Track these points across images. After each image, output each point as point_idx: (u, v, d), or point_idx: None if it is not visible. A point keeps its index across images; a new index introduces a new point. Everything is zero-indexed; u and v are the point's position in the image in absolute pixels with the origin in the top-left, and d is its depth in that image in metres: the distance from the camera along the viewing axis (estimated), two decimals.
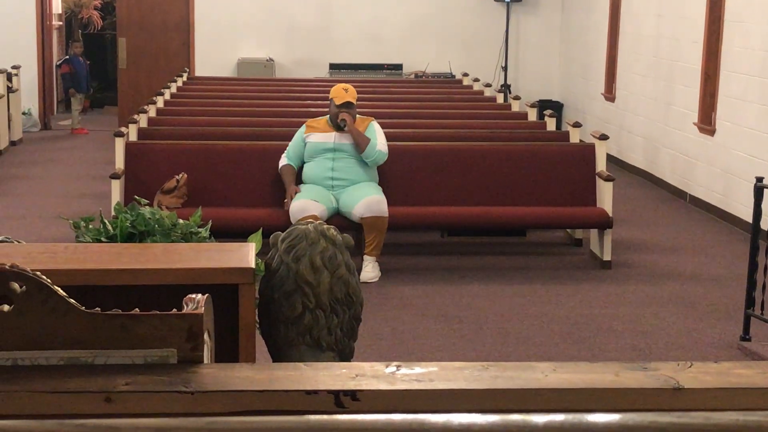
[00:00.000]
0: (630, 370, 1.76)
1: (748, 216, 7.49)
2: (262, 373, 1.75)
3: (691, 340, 6.41)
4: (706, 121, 10.26)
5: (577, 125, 9.17)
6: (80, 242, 3.10)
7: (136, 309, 1.82)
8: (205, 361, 1.85)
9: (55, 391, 1.66)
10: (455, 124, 9.78)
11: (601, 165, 8.32)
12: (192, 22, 15.23)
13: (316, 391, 1.66)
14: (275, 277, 2.88)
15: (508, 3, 15.13)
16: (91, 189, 10.60)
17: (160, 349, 1.79)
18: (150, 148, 8.18)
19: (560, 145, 8.73)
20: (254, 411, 1.65)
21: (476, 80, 13.18)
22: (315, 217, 7.15)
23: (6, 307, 1.77)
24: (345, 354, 2.95)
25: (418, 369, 1.75)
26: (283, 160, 7.90)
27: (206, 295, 1.94)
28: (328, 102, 7.95)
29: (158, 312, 1.80)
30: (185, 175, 7.86)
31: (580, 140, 9.25)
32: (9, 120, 13.32)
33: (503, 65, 15.24)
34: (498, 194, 8.21)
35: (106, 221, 3.20)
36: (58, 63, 15.97)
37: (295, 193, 7.63)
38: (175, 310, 1.85)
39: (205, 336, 1.87)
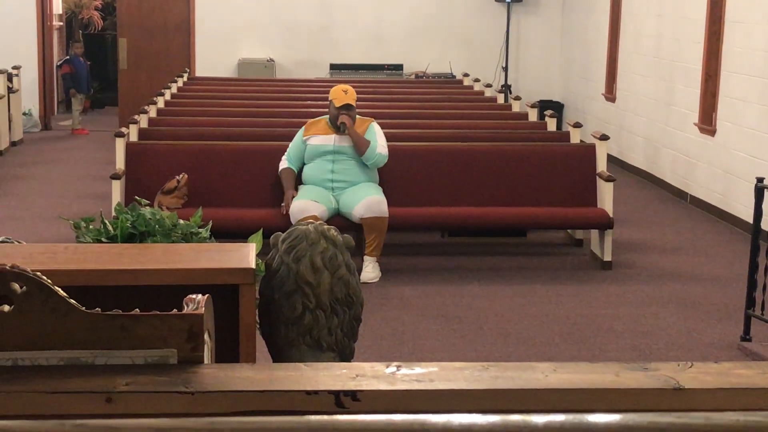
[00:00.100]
0: (630, 371, 1.76)
1: (748, 216, 7.49)
2: (263, 374, 1.75)
3: (691, 340, 6.41)
4: (707, 122, 10.26)
5: (577, 125, 9.17)
6: (81, 243, 3.10)
7: (137, 309, 1.82)
8: (206, 361, 1.85)
9: (56, 392, 1.66)
10: (456, 124, 9.78)
11: (601, 165, 8.32)
12: (193, 23, 15.23)
13: (316, 392, 1.66)
14: (276, 278, 2.88)
15: (508, 3, 15.13)
16: (91, 189, 10.60)
17: (161, 350, 1.79)
18: (150, 149, 8.18)
19: (561, 145, 8.73)
20: (255, 411, 1.65)
21: (477, 80, 13.19)
22: (315, 218, 7.15)
23: (6, 308, 1.77)
24: (345, 354, 2.95)
25: (419, 369, 1.75)
26: (284, 163, 7.89)
27: (206, 295, 1.94)
28: (329, 102, 7.94)
29: (158, 312, 1.81)
30: (186, 176, 7.87)
31: (581, 140, 9.25)
32: (9, 120, 13.33)
33: (504, 65, 15.24)
34: (498, 195, 8.21)
35: (106, 222, 3.21)
36: (58, 63, 15.97)
37: (293, 197, 7.61)
38: (175, 310, 1.85)
39: (206, 336, 1.87)
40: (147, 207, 3.33)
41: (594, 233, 8.25)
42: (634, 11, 12.62)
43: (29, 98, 14.90)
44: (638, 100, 12.35)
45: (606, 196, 8.11)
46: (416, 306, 6.97)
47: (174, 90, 11.89)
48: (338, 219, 7.55)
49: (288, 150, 7.92)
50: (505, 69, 15.21)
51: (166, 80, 13.63)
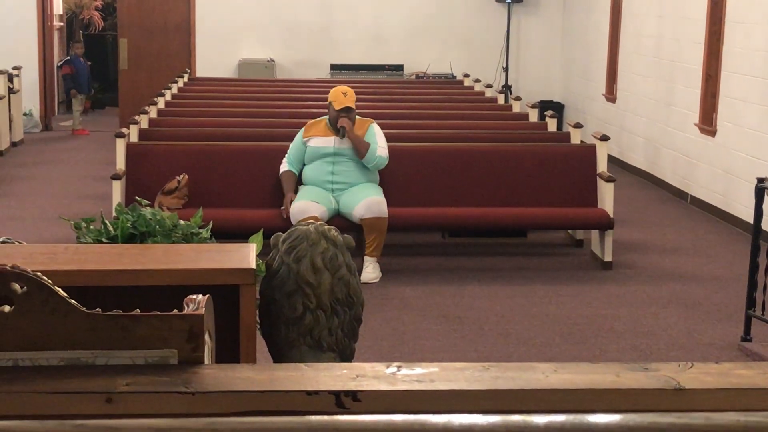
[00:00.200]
0: (631, 371, 1.76)
1: (749, 217, 7.49)
2: (263, 374, 1.75)
3: (691, 340, 6.41)
4: (707, 122, 10.26)
5: (578, 126, 9.17)
6: (81, 243, 3.10)
7: (137, 310, 1.82)
8: (206, 361, 1.85)
9: (56, 392, 1.66)
10: (456, 125, 9.78)
11: (602, 166, 8.32)
12: (193, 23, 15.23)
13: (317, 392, 1.66)
14: (276, 278, 2.88)
15: (509, 4, 15.13)
16: (92, 190, 10.61)
17: (161, 350, 1.79)
18: (151, 149, 8.19)
19: (561, 145, 8.73)
20: (255, 411, 1.65)
21: (477, 81, 13.19)
22: (315, 218, 7.15)
23: (7, 308, 1.77)
24: (346, 354, 2.95)
25: (419, 369, 1.75)
26: (284, 166, 7.88)
27: (207, 295, 1.95)
28: (328, 104, 7.92)
29: (159, 313, 1.81)
30: (186, 176, 7.87)
31: (581, 141, 9.25)
32: (10, 121, 13.33)
33: (504, 66, 15.24)
34: (499, 195, 8.21)
35: (107, 222, 3.21)
36: (59, 64, 15.97)
37: (291, 201, 7.60)
38: (175, 310, 1.85)
39: (206, 336, 1.87)
40: (147, 207, 3.33)
41: (594, 233, 8.25)
42: (635, 11, 12.63)
43: (30, 99, 14.90)
44: (638, 101, 12.35)
45: (606, 196, 8.11)
46: (416, 306, 6.97)
47: (174, 90, 11.90)
48: (338, 219, 7.55)
49: (288, 151, 7.92)
50: (506, 69, 15.21)
51: (166, 81, 13.63)
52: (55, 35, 16.52)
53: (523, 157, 8.36)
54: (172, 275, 2.59)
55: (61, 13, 17.22)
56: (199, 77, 14.17)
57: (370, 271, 7.51)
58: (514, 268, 8.00)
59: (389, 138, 8.09)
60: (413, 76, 14.93)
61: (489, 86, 12.74)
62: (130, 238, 3.14)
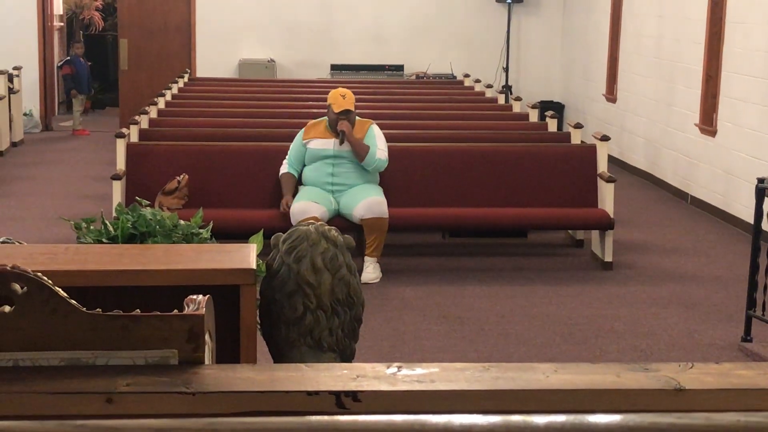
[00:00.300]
0: (631, 371, 1.76)
1: (749, 217, 7.49)
2: (264, 374, 1.75)
3: (692, 341, 6.41)
4: (708, 122, 10.26)
5: (578, 126, 9.17)
6: (81, 243, 3.10)
7: (137, 310, 1.82)
8: (206, 362, 1.85)
9: (57, 392, 1.66)
10: (456, 125, 9.78)
11: (602, 166, 8.32)
12: (193, 23, 15.23)
13: (317, 392, 1.66)
14: (276, 278, 2.88)
15: (509, 4, 15.13)
16: (92, 190, 10.61)
17: (161, 350, 1.79)
18: (151, 149, 8.19)
19: (561, 146, 8.73)
20: (255, 412, 1.65)
21: (477, 81, 13.19)
22: (316, 219, 7.15)
23: (7, 308, 1.77)
24: (346, 355, 2.95)
25: (419, 370, 1.75)
26: (284, 167, 7.88)
27: (207, 296, 1.95)
28: (327, 106, 7.90)
29: (159, 313, 1.81)
30: (186, 176, 7.87)
31: (582, 141, 9.25)
32: (10, 121, 13.33)
33: (504, 66, 15.24)
34: (499, 195, 8.21)
35: (107, 222, 3.21)
36: (59, 64, 15.97)
37: (288, 205, 7.60)
38: (176, 311, 1.85)
39: (206, 337, 1.87)
40: (148, 207, 3.33)
41: (595, 234, 8.25)
42: (635, 12, 12.63)
43: (30, 99, 14.90)
44: (639, 101, 12.35)
45: (607, 196, 8.11)
46: (417, 306, 6.97)
47: (175, 90, 11.90)
48: (338, 220, 7.55)
49: (288, 153, 7.91)
50: (506, 70, 15.21)
51: (166, 81, 13.63)
52: (56, 35, 16.52)
53: (523, 158, 8.36)
54: (173, 275, 2.59)
55: (61, 13, 17.22)
56: (199, 77, 14.17)
57: (371, 272, 7.51)
58: (515, 268, 8.00)
59: (390, 138, 8.09)
60: (413, 77, 14.93)
61: (489, 86, 12.74)
62: (131, 239, 3.14)
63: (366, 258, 7.53)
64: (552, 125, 9.79)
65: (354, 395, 1.66)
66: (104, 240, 3.13)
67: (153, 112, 10.02)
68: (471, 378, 1.73)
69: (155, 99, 10.84)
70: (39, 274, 1.78)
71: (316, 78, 14.33)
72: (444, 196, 8.15)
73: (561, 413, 1.66)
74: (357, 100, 8.02)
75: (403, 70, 15.20)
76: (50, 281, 1.78)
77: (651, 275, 7.86)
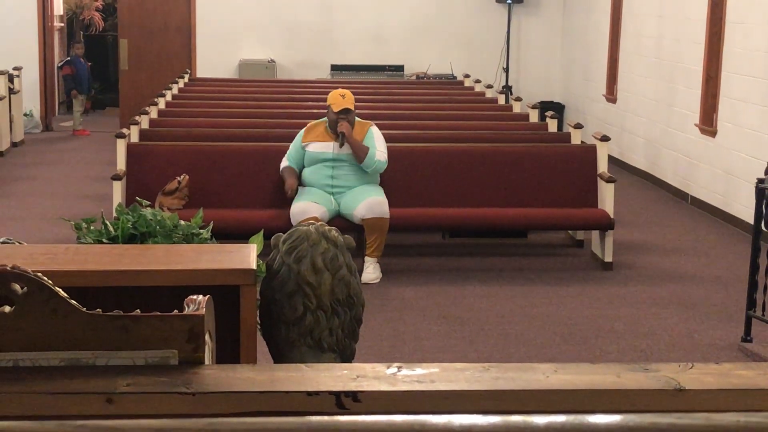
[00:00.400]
0: (631, 371, 1.76)
1: (749, 217, 7.49)
2: (264, 374, 1.75)
3: (692, 341, 6.41)
4: (708, 123, 10.26)
5: (578, 126, 9.17)
6: (82, 243, 3.10)
7: (138, 310, 1.82)
8: (207, 362, 1.85)
9: (57, 392, 1.66)
10: (457, 125, 9.78)
11: (602, 166, 8.32)
12: (193, 24, 15.23)
13: (317, 392, 1.67)
14: (276, 279, 2.88)
15: (509, 4, 15.13)
16: (92, 190, 10.61)
17: (162, 350, 1.79)
18: (151, 150, 8.19)
19: (561, 146, 8.73)
20: (255, 412, 1.65)
21: (478, 81, 13.19)
22: (316, 219, 7.15)
23: (7, 308, 1.77)
24: (346, 355, 2.95)
25: (419, 370, 1.76)
26: (284, 162, 7.89)
27: (207, 296, 1.95)
28: (327, 107, 7.90)
29: (159, 313, 1.81)
30: (187, 177, 7.87)
31: (582, 141, 9.25)
32: (11, 121, 13.33)
33: (504, 67, 15.24)
34: (499, 195, 8.21)
35: (107, 222, 3.21)
36: (59, 64, 15.97)
37: (292, 189, 7.62)
38: (176, 311, 1.85)
39: (207, 337, 1.87)
40: (148, 208, 3.33)
41: (595, 234, 8.25)
42: (635, 12, 12.63)
43: (30, 99, 14.90)
44: (639, 101, 12.36)
45: (607, 196, 8.12)
46: (417, 307, 6.97)
47: (175, 91, 11.90)
48: (339, 220, 7.55)
49: (288, 152, 7.92)
50: (506, 70, 15.21)
51: (166, 81, 13.63)
52: (56, 36, 16.52)
53: (523, 158, 8.36)
54: (173, 276, 2.59)
55: (61, 13, 17.22)
56: (199, 78, 14.17)
57: (371, 272, 7.51)
58: (515, 268, 8.00)
59: (390, 139, 8.09)
60: (414, 77, 14.93)
61: (489, 87, 12.74)
62: (131, 239, 3.15)
63: (366, 258, 7.53)
64: (552, 125, 9.79)
65: (354, 395, 1.66)
66: (104, 240, 3.13)
67: (153, 113, 10.02)
68: (471, 378, 1.73)
69: (155, 99, 10.84)
70: (39, 274, 1.78)
71: (316, 78, 14.33)
72: (444, 196, 8.15)
73: (561, 413, 1.66)
74: (357, 101, 8.01)
75: (403, 71, 15.20)
76: (50, 281, 1.78)
77: (651, 275, 7.86)
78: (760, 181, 6.32)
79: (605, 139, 8.43)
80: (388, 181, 8.00)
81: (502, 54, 15.30)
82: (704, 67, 10.32)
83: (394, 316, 6.74)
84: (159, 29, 15.22)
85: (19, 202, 10.15)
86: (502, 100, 12.10)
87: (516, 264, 8.13)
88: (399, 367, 1.76)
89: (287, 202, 7.71)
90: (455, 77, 14.77)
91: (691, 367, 1.77)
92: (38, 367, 1.76)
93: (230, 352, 2.59)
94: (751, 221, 6.52)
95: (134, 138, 8.70)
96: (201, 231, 3.25)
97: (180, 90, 12.13)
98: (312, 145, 7.77)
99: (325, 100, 8.47)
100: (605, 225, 7.97)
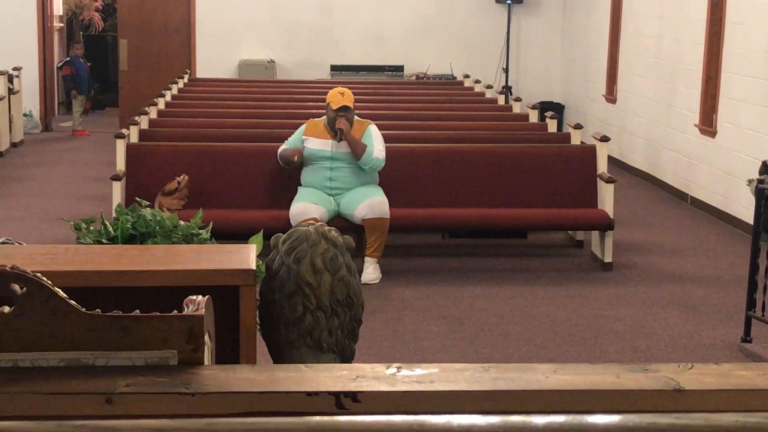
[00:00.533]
0: (631, 372, 1.76)
1: (749, 217, 7.50)
2: (263, 375, 1.75)
3: (691, 341, 6.41)
4: (708, 123, 10.26)
5: (578, 127, 9.17)
6: (81, 244, 3.10)
7: (137, 310, 1.82)
8: (206, 362, 1.85)
9: (56, 393, 1.66)
10: (456, 125, 9.78)
11: (602, 167, 8.32)
12: (193, 24, 15.23)
13: (316, 393, 1.67)
14: (276, 279, 2.88)
15: (509, 4, 15.13)
16: (92, 191, 10.61)
17: (161, 351, 1.79)
18: (151, 150, 8.19)
19: (561, 146, 8.73)
20: (255, 412, 1.65)
21: (477, 82, 13.18)
22: (315, 220, 7.15)
23: (6, 309, 1.77)
24: (346, 355, 2.95)
25: (419, 370, 1.76)
26: (283, 146, 7.92)
27: (207, 296, 1.95)
28: (326, 106, 7.90)
29: (159, 313, 1.81)
30: (186, 177, 7.87)
31: (581, 142, 9.25)
32: (10, 121, 13.33)
33: (504, 67, 15.24)
34: (499, 196, 8.21)
35: (107, 223, 3.21)
36: (59, 65, 15.97)
37: (300, 153, 7.66)
38: (175, 311, 1.85)
39: (206, 337, 1.87)
40: (147, 208, 3.33)
41: (594, 234, 8.25)
42: (635, 12, 12.63)
43: (30, 99, 14.90)
44: (639, 102, 12.36)
45: (606, 197, 8.12)
46: (417, 307, 6.97)
47: (174, 91, 11.90)
48: (339, 220, 7.55)
49: (288, 140, 7.95)
50: (506, 70, 15.21)
51: (166, 81, 13.63)
52: (55, 36, 16.52)
53: (523, 158, 8.36)
54: (172, 276, 2.59)
55: (61, 13, 17.21)
56: (199, 78, 14.17)
57: (371, 272, 7.51)
58: (515, 269, 8.00)
59: (390, 139, 8.09)
60: (413, 77, 14.93)
61: (489, 87, 12.74)
62: (130, 239, 3.15)
63: (366, 258, 7.53)
64: (552, 126, 9.79)
65: (353, 396, 1.66)
66: (104, 241, 3.13)
67: (153, 113, 10.02)
68: (470, 378, 1.73)
69: (155, 99, 10.83)
70: (38, 274, 1.78)
71: (316, 79, 14.33)
72: (444, 196, 8.15)
73: (560, 414, 1.66)
74: (357, 101, 8.01)
75: (403, 71, 15.20)
76: (50, 282, 1.78)
77: (651, 276, 7.86)
78: (760, 181, 6.32)
79: (605, 139, 8.43)
80: (388, 181, 8.00)
81: (502, 54, 15.30)
82: (704, 67, 10.32)
83: (393, 317, 6.74)
84: (159, 29, 15.22)
85: (18, 202, 10.15)
86: (501, 100, 12.10)
87: (516, 264, 8.13)
88: (398, 368, 1.76)
89: (287, 202, 7.71)
90: (455, 77, 14.77)
91: (691, 368, 1.77)
92: (37, 368, 1.76)
93: (230, 353, 2.59)
94: (751, 221, 6.52)
95: (134, 138, 8.69)
96: (200, 231, 3.25)
97: (180, 90, 12.13)
98: (311, 141, 7.78)
99: (324, 100, 8.47)
100: (605, 225, 7.97)
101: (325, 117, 7.90)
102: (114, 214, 3.31)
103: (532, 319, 6.77)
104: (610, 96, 13.36)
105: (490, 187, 8.23)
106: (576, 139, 9.05)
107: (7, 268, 1.75)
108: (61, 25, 17.28)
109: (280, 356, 2.91)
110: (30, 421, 1.62)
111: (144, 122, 9.36)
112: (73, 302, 1.78)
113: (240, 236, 4.58)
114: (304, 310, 2.85)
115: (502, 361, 5.94)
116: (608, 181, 8.13)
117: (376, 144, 7.72)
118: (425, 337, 6.39)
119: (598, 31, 13.88)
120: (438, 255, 8.41)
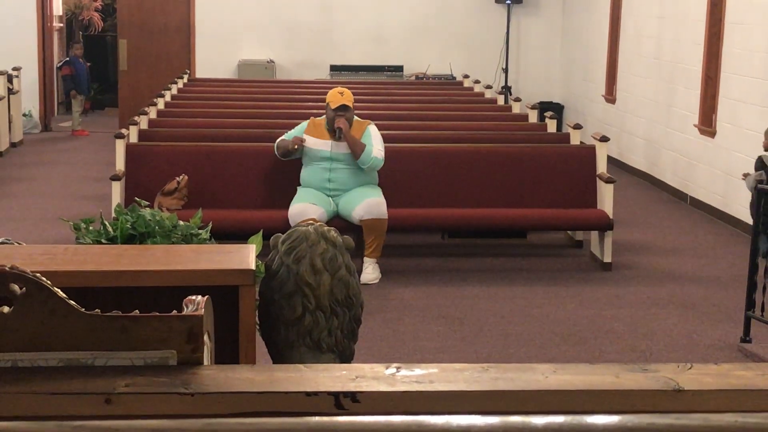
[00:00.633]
0: (630, 372, 1.76)
1: (748, 218, 7.50)
2: (262, 375, 1.75)
3: (691, 341, 6.41)
4: (707, 123, 10.26)
5: (577, 127, 9.17)
6: (80, 244, 3.10)
7: (136, 311, 1.82)
8: (205, 362, 1.85)
9: (55, 393, 1.66)
10: (456, 125, 9.78)
11: (601, 167, 8.32)
12: (193, 24, 15.23)
13: (316, 393, 1.66)
14: (275, 279, 2.88)
15: (508, 5, 15.13)
16: (91, 191, 10.60)
17: (160, 351, 1.79)
18: (150, 150, 8.19)
19: (561, 146, 8.73)
20: (254, 412, 1.65)
21: (477, 82, 13.18)
22: (314, 220, 7.14)
23: (6, 309, 1.77)
24: (345, 355, 2.95)
25: (418, 371, 1.76)
26: (281, 137, 7.91)
27: (206, 296, 1.94)
28: (325, 106, 7.90)
29: (158, 314, 1.81)
30: (186, 177, 7.87)
31: (581, 142, 9.25)
32: (9, 121, 13.33)
33: (504, 67, 15.24)
34: (498, 196, 8.21)
35: (106, 223, 3.21)
36: (58, 65, 15.97)
37: (301, 139, 7.65)
38: (175, 311, 1.85)
39: (205, 337, 1.87)
40: (147, 208, 3.33)
41: (594, 234, 8.25)
42: (635, 12, 12.63)
43: (29, 99, 14.89)
44: (638, 102, 12.36)
45: (606, 197, 8.12)
46: (416, 307, 6.97)
47: (174, 91, 11.89)
48: (338, 220, 7.55)
49: (288, 132, 7.94)
50: (506, 70, 15.21)
51: (166, 81, 13.63)
52: (55, 36, 16.52)
53: (522, 158, 8.36)
54: (172, 276, 2.59)
55: (60, 13, 17.21)
56: (198, 78, 14.17)
57: (370, 272, 7.51)
58: (514, 269, 8.00)
59: (389, 139, 8.09)
60: (413, 77, 14.93)
61: (489, 87, 12.74)
62: (130, 239, 3.15)
63: (365, 259, 7.53)
64: (551, 126, 9.79)
65: (353, 396, 1.66)
66: (103, 241, 3.13)
67: (152, 113, 10.02)
68: (470, 379, 1.73)
69: (155, 100, 10.83)
70: (38, 274, 1.78)
71: (316, 79, 14.33)
72: (443, 196, 8.15)
73: (560, 414, 1.66)
74: (356, 101, 8.01)
75: (402, 71, 15.20)
76: (49, 282, 1.78)
77: (650, 276, 7.86)
78: (760, 181, 6.32)
79: (604, 139, 8.43)
80: (387, 181, 8.00)
81: (502, 54, 15.30)
82: (703, 67, 10.32)
83: (393, 317, 6.74)
84: (158, 29, 15.22)
85: (18, 202, 10.14)
86: (501, 100, 12.10)
87: (515, 264, 8.13)
88: (398, 368, 1.76)
89: (286, 202, 7.71)
90: (455, 77, 14.76)
91: (690, 368, 1.77)
92: (37, 368, 1.76)
93: (229, 353, 2.59)
94: (750, 222, 6.52)
95: (133, 138, 8.69)
96: (200, 231, 3.25)
97: (179, 90, 12.13)
98: (311, 140, 7.78)
99: (324, 100, 8.47)
100: (604, 225, 7.97)
101: (326, 117, 7.90)
102: (113, 214, 3.31)
103: (531, 319, 6.77)
104: (610, 96, 13.36)
105: (489, 187, 8.23)
106: (575, 139, 9.05)
107: (7, 268, 1.75)
108: (61, 25, 17.28)
109: (279, 356, 2.91)
110: (29, 421, 1.62)
111: (143, 122, 9.36)
112: (72, 302, 1.78)
113: (239, 236, 4.58)
114: (303, 310, 2.85)
115: (502, 361, 5.94)
116: (608, 181, 8.13)
117: (375, 144, 7.73)
118: (425, 337, 6.39)
119: (597, 31, 13.88)
120: (437, 255, 8.41)
